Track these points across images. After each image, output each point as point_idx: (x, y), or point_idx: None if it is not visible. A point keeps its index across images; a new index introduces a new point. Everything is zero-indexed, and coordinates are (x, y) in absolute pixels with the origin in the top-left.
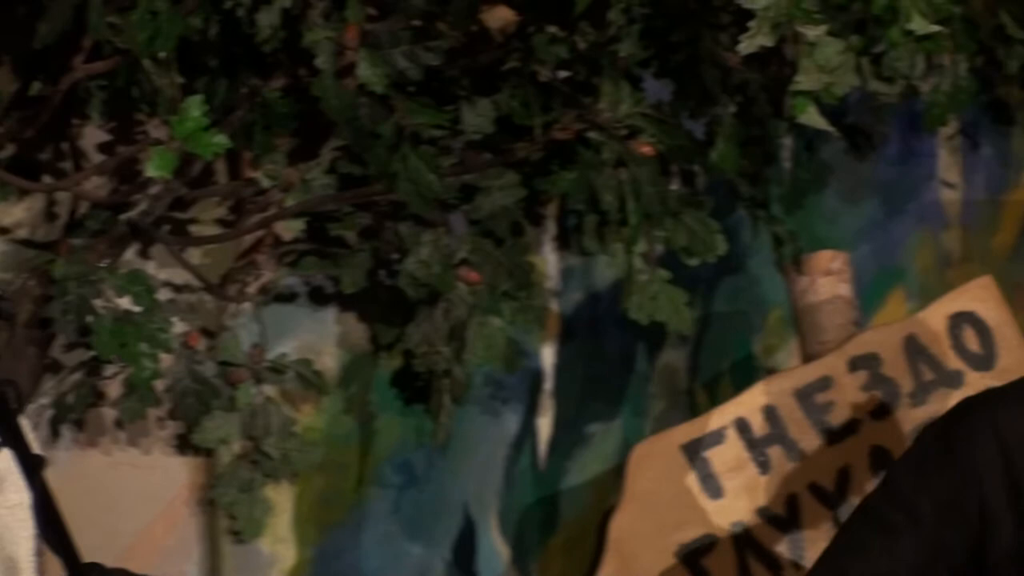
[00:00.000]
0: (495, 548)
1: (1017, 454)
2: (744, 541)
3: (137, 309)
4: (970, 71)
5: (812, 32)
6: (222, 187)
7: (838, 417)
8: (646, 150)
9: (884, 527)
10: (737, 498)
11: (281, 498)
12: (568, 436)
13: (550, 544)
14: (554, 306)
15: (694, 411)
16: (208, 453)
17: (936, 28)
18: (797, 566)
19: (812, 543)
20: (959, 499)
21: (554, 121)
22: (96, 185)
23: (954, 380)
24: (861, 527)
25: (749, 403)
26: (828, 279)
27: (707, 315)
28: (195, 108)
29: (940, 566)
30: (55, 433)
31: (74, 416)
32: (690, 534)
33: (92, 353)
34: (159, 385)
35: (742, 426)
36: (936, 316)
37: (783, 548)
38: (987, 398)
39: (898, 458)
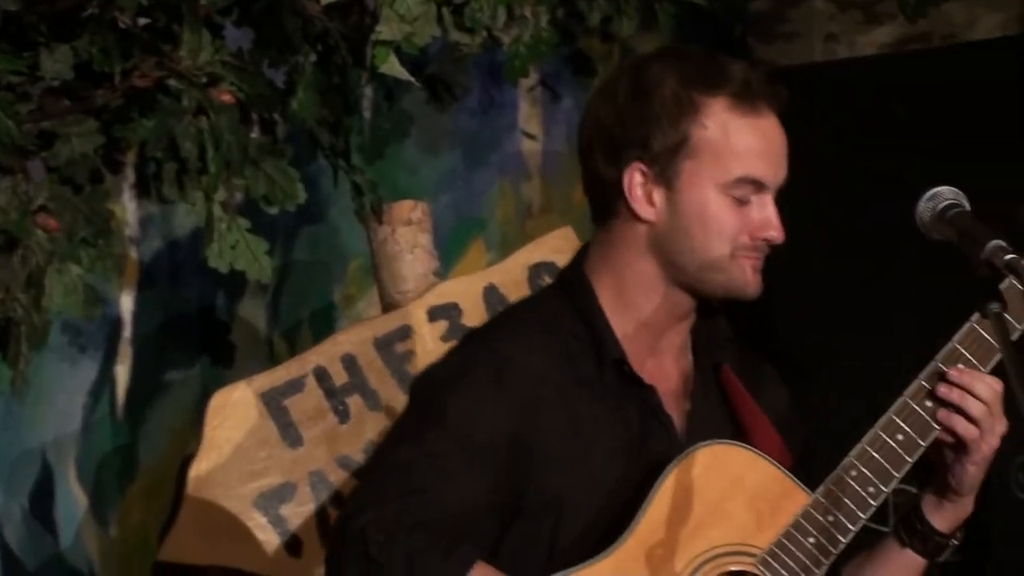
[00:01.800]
0: (73, 495)
1: (549, 386)
2: (323, 489)
3: None
4: (551, 23)
5: None
6: None
7: (417, 366)
8: (226, 98)
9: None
10: (316, 447)
11: None
12: (147, 384)
13: (129, 491)
14: (133, 254)
15: (274, 360)
16: None
17: None
18: None
19: None
20: (512, 431)
21: (134, 68)
22: None
23: None
24: (417, 465)
25: (329, 352)
26: (408, 229)
27: (287, 264)
28: None
29: (500, 499)
30: None
31: None
32: (269, 482)
33: None
34: None
35: (321, 375)
36: (516, 266)
37: None
38: (522, 328)
39: (442, 392)
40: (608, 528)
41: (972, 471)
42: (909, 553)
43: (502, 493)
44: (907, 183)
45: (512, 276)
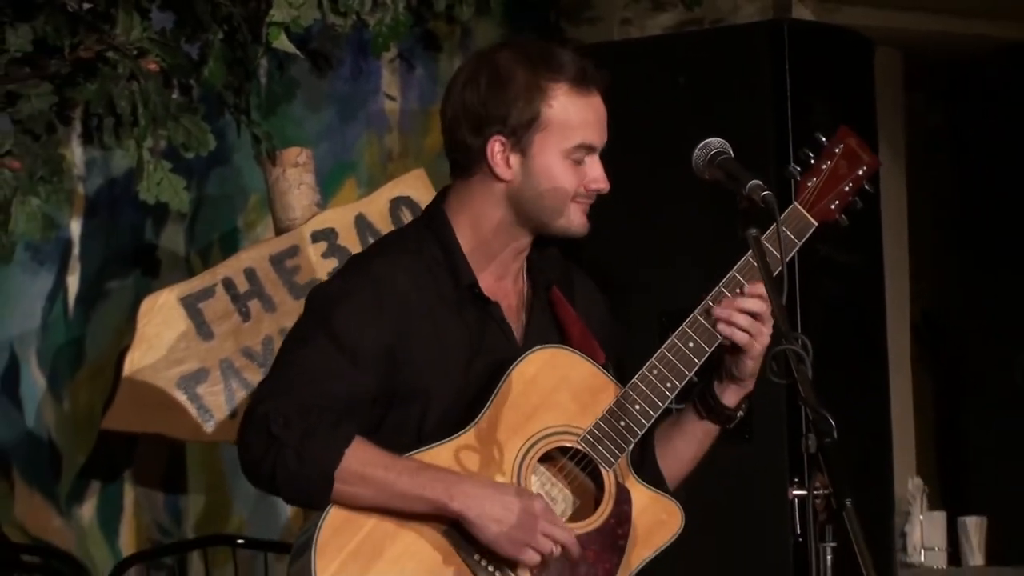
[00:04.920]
0: (34, 379)
1: (416, 302)
2: (230, 373)
3: None
4: (407, 8)
5: None
6: None
7: (303, 277)
8: (152, 67)
9: (332, 364)
10: (225, 340)
11: None
12: (92, 291)
13: (78, 375)
14: (80, 189)
15: (191, 272)
16: None
17: None
18: None
19: None
20: (387, 342)
21: (80, 43)
22: None
23: None
24: (310, 364)
25: (234, 266)
26: (296, 170)
27: (201, 197)
28: None
29: (377, 393)
30: None
31: None
32: (188, 367)
33: None
34: None
35: (228, 284)
36: (380, 200)
37: (258, 378)
38: (394, 255)
39: (331, 308)
40: (464, 415)
41: (750, 363)
42: (706, 422)
43: (379, 388)
44: (687, 140)
45: (377, 207)
